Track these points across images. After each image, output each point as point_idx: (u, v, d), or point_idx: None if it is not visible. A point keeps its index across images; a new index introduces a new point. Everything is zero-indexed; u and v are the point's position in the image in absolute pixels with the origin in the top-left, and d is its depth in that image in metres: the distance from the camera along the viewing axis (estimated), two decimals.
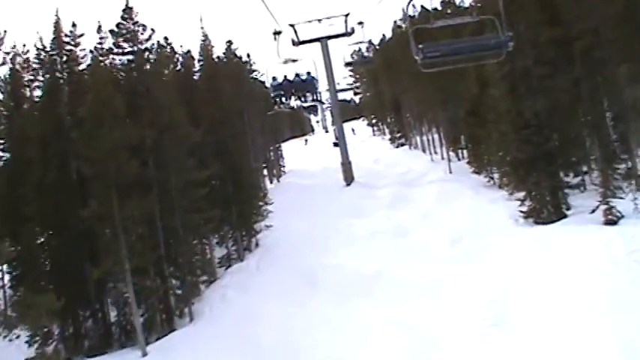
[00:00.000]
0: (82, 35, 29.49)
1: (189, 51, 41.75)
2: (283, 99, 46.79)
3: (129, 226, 24.74)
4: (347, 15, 49.32)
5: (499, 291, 21.52)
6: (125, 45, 28.41)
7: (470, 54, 15.83)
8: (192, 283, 28.89)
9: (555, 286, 20.03)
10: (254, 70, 59.32)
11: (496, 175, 37.03)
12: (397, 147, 74.20)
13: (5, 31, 24.35)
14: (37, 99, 30.85)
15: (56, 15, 29.23)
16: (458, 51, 14.98)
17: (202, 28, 41.73)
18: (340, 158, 51.26)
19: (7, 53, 29.69)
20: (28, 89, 31.29)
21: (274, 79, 46.05)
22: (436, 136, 56.51)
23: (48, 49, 29.38)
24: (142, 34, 28.48)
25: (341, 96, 64.73)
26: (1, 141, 29.91)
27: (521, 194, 29.49)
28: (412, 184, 45.97)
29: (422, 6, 44.82)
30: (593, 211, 24.76)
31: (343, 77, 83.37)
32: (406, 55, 50.33)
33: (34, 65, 30.90)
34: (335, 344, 21.12)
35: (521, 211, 28.72)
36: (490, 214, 31.53)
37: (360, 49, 57.57)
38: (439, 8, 43.79)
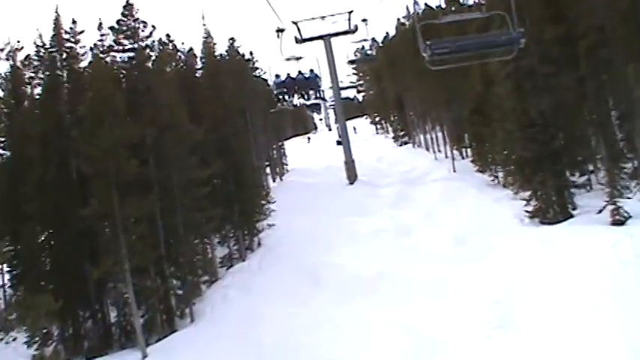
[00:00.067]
0: (82, 32, 29.26)
1: (191, 49, 41.54)
2: (286, 97, 46.71)
3: (129, 225, 24.43)
4: (350, 12, 49.05)
5: (504, 292, 21.24)
6: (126, 42, 28.18)
7: (479, 51, 15.36)
8: (193, 284, 28.65)
9: (562, 288, 19.71)
10: (257, 68, 59.16)
11: (500, 174, 36.68)
12: (400, 145, 73.81)
13: None
14: (37, 97, 30.51)
15: (56, 12, 28.99)
16: (467, 48, 14.37)
17: (204, 25, 41.34)
18: (343, 156, 50.93)
19: (1, 49, 29.53)
20: (29, 87, 30.98)
21: (277, 76, 46.04)
22: (440, 134, 56.17)
23: (48, 46, 29.05)
24: (142, 31, 28.25)
25: (344, 94, 64.37)
26: (2, 139, 29.60)
27: (527, 193, 29.11)
28: (416, 182, 45.60)
29: (426, 4, 44.53)
30: (600, 211, 24.40)
31: (346, 75, 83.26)
32: (410, 52, 50.85)
33: (35, 62, 30.63)
34: (337, 345, 20.93)
35: (527, 211, 28.39)
36: (495, 214, 31.19)
37: (363, 47, 57.37)
38: (443, 6, 43.36)
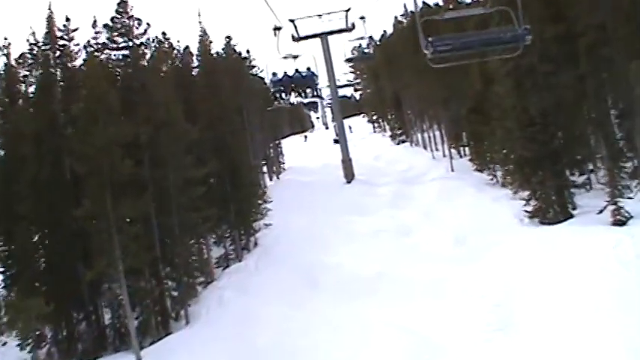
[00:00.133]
0: (76, 30, 28.76)
1: (187, 47, 41.17)
2: (283, 95, 46.56)
3: (123, 225, 24.04)
4: (347, 11, 48.82)
5: (504, 293, 20.92)
6: (120, 40, 27.80)
7: (484, 48, 14.89)
8: (189, 285, 28.27)
9: (562, 289, 19.41)
10: (253, 66, 58.79)
11: (499, 173, 36.36)
12: (398, 144, 73.69)
13: None
14: (32, 95, 30.09)
15: (49, 9, 28.54)
16: (471, 45, 13.69)
17: (200, 23, 41.10)
18: (340, 155, 50.70)
19: None
20: (23, 85, 30.53)
21: (274, 74, 45.75)
22: (437, 132, 55.91)
23: (41, 44, 28.60)
24: (137, 28, 27.88)
25: (341, 92, 64.26)
26: None
27: (526, 193, 28.84)
28: (413, 181, 45.40)
29: (424, 2, 44.25)
30: (601, 212, 24.12)
31: (343, 73, 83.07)
32: (407, 50, 50.61)
33: (30, 60, 30.19)
34: (335, 347, 20.53)
35: (527, 211, 28.09)
36: (494, 213, 30.94)
37: (360, 45, 57.15)
38: (441, 4, 43.13)
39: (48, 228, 27.12)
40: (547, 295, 19.46)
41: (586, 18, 25.81)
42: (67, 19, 28.77)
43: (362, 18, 48.66)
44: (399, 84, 62.44)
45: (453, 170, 44.57)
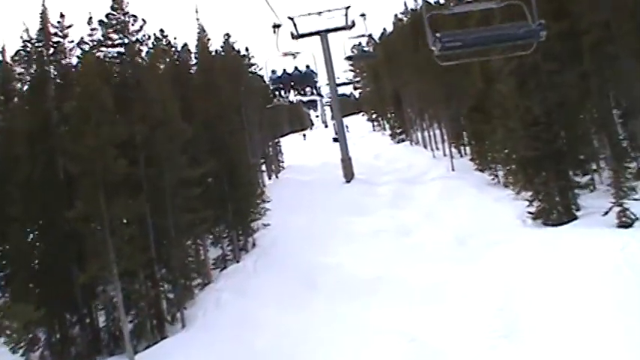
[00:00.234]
0: (70, 26, 28.16)
1: (185, 44, 40.70)
2: (282, 93, 46.48)
3: (117, 227, 23.51)
4: (347, 8, 48.48)
5: (508, 297, 20.36)
6: (115, 36, 27.27)
7: (496, 45, 14.20)
8: (185, 287, 27.77)
9: (568, 293, 18.81)
10: (252, 64, 58.49)
11: (501, 173, 35.89)
12: (398, 143, 73.34)
13: None
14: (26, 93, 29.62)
15: (42, 4, 27.98)
16: (482, 41, 12.79)
17: (198, 20, 40.58)
18: (340, 154, 50.31)
19: None
20: (19, 83, 29.99)
21: (273, 72, 45.81)
22: (437, 131, 55.55)
23: (34, 40, 28.05)
24: (132, 24, 27.35)
25: (340, 90, 63.89)
26: None
27: (528, 194, 28.37)
28: (414, 181, 44.91)
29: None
30: (606, 213, 23.64)
31: (343, 71, 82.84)
32: (408, 48, 50.27)
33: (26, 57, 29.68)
34: (334, 351, 20.12)
35: (530, 212, 27.60)
36: (496, 214, 30.46)
37: (360, 43, 56.85)
38: (442, 1, 42.63)
39: (41, 229, 26.63)
40: (552, 300, 18.88)
41: (590, 15, 25.40)
42: (62, 16, 28.24)
43: (362, 15, 48.34)
44: (399, 82, 62.17)
45: (453, 170, 44.06)
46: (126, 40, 27.40)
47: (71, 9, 29.26)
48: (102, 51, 27.63)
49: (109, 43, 27.40)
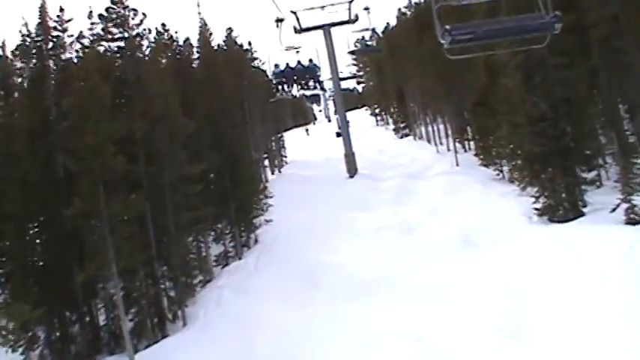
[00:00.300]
0: (70, 20, 27.78)
1: (187, 38, 40.36)
2: (285, 87, 46.40)
3: (117, 225, 23.13)
4: (351, 2, 48.14)
5: (515, 296, 20.03)
6: (115, 30, 26.90)
7: (508, 37, 13.69)
8: (186, 285, 27.43)
9: (577, 292, 18.46)
10: (255, 59, 58.23)
11: (506, 169, 35.45)
12: (401, 137, 73.12)
13: None
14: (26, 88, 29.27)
15: None
16: (494, 34, 12.16)
17: (200, 14, 40.31)
18: (343, 149, 50.02)
19: None
20: (20, 78, 29.62)
21: (276, 66, 45.73)
22: (441, 126, 55.17)
23: (34, 35, 27.67)
24: (132, 18, 26.98)
25: (343, 85, 63.62)
26: None
27: (534, 189, 27.94)
28: (418, 176, 44.64)
29: None
30: (614, 210, 23.18)
31: (346, 65, 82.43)
32: (410, 42, 49.89)
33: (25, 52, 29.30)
34: (335, 351, 19.85)
35: (536, 208, 27.16)
36: (501, 210, 30.03)
37: (363, 37, 56.54)
38: None
39: (41, 226, 26.32)
40: (560, 299, 18.54)
41: (598, 9, 24.94)
42: (61, 10, 27.86)
43: (366, 9, 47.92)
44: (402, 76, 61.85)
45: (458, 165, 43.62)
46: (126, 35, 27.06)
47: (71, 3, 28.84)
48: (102, 45, 27.32)
49: (109, 37, 27.04)
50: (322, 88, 52.81)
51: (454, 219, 31.28)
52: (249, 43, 58.02)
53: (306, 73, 46.70)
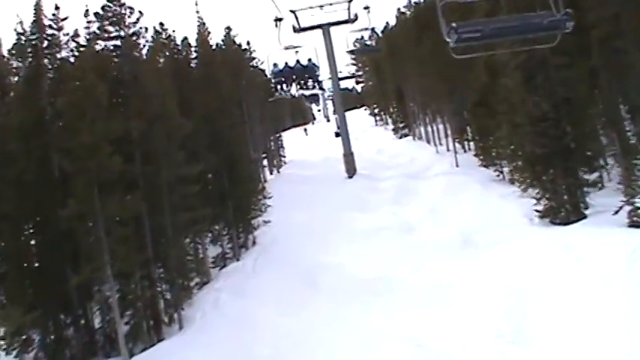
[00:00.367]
0: (65, 19, 27.44)
1: (185, 37, 40.07)
2: (284, 86, 46.32)
3: (112, 227, 22.84)
4: (350, 1, 47.97)
5: (516, 300, 19.66)
6: (111, 29, 26.61)
7: (518, 36, 13.30)
8: (183, 287, 27.12)
9: (579, 296, 18.09)
10: (254, 58, 58.00)
11: (506, 170, 35.17)
12: (400, 137, 72.94)
13: None
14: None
15: None
16: (503, 32, 11.71)
17: (198, 13, 39.96)
18: (342, 148, 49.82)
19: None
20: (16, 77, 29.29)
21: (275, 65, 45.59)
22: (441, 126, 54.95)
23: (28, 33, 27.35)
24: (129, 17, 26.71)
25: (342, 84, 63.46)
26: None
27: (534, 191, 27.66)
28: (417, 176, 44.45)
29: None
30: (617, 212, 22.88)
31: (345, 65, 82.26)
32: (410, 42, 49.67)
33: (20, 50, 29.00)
34: (335, 354, 19.56)
35: (537, 210, 26.88)
36: (501, 211, 29.82)
37: (362, 37, 56.41)
38: None
39: (36, 227, 26.01)
40: (562, 303, 18.19)
41: (599, 9, 24.71)
42: (57, 8, 27.52)
43: (366, 8, 47.71)
44: (401, 76, 61.67)
45: (457, 165, 43.46)
46: (122, 33, 26.77)
47: (67, 1, 28.55)
48: (98, 44, 27.01)
49: (105, 35, 26.76)
50: (321, 88, 52.76)
51: (454, 219, 31.10)
52: (248, 43, 57.84)
53: (305, 72, 46.63)
